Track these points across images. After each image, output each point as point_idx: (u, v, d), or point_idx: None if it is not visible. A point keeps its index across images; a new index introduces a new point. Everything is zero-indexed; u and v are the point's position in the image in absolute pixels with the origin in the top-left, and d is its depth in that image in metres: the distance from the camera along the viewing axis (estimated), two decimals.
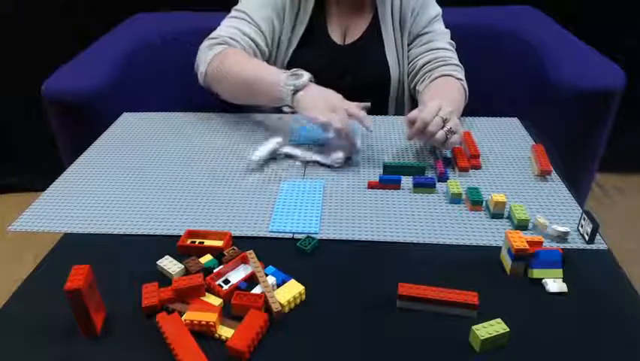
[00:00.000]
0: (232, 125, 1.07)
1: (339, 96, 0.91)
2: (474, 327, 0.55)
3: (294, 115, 1.06)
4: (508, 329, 0.55)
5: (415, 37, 1.16)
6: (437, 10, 1.17)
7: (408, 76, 1.19)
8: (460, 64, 1.14)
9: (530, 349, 0.55)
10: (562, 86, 1.21)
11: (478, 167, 0.89)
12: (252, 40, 1.08)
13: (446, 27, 1.18)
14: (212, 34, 1.09)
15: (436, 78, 1.09)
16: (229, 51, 1.05)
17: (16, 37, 1.82)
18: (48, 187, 0.86)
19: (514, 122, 1.06)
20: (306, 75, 0.92)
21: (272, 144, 0.92)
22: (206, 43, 1.08)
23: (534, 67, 1.34)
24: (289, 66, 1.14)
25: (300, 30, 1.14)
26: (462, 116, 1.08)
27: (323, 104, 0.88)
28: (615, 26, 1.80)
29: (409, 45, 1.17)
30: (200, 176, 0.88)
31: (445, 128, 0.85)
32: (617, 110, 1.22)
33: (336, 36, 1.17)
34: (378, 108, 1.14)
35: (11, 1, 1.76)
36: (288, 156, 0.93)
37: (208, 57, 1.05)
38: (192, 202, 0.81)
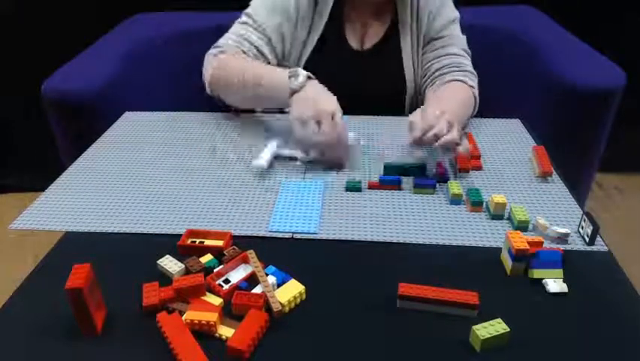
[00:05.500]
0: (233, 125, 1.07)
1: (332, 103, 0.87)
2: (474, 327, 0.55)
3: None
4: (508, 329, 0.55)
5: (429, 40, 1.13)
6: (455, 14, 1.13)
7: (421, 80, 1.16)
8: (473, 71, 1.11)
9: (530, 349, 0.55)
10: (562, 86, 1.21)
11: (478, 168, 0.89)
12: (258, 49, 1.08)
13: None
14: (219, 42, 1.09)
15: (448, 82, 1.07)
16: (230, 57, 1.04)
17: (16, 37, 1.82)
18: (48, 187, 0.86)
19: (515, 123, 1.06)
20: (302, 76, 0.90)
21: (272, 147, 0.92)
22: (212, 51, 1.08)
23: (534, 67, 1.34)
24: None
25: (315, 36, 1.11)
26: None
27: (310, 112, 0.85)
28: (615, 26, 1.80)
29: (423, 48, 1.14)
30: (200, 175, 0.88)
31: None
32: (617, 110, 1.23)
33: (353, 41, 1.14)
34: (395, 112, 1.12)
35: (11, 1, 1.76)
36: (292, 158, 0.92)
37: (212, 65, 1.05)
38: (192, 202, 0.81)
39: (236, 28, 1.10)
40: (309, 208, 0.79)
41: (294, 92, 0.89)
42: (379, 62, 1.14)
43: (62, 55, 1.32)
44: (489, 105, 1.14)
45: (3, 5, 1.76)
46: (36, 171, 1.63)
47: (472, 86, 1.07)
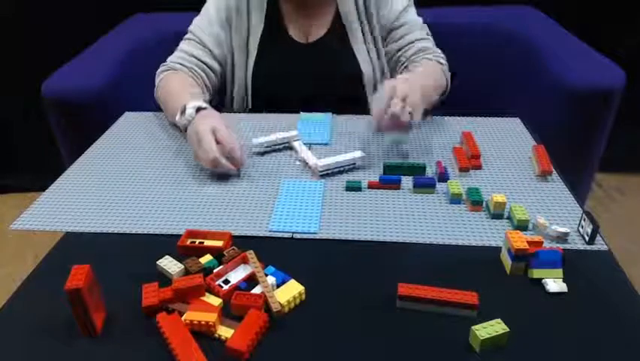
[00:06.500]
0: (233, 125, 1.06)
1: (211, 128, 0.84)
2: (474, 327, 0.55)
3: (301, 115, 1.07)
4: (507, 329, 0.55)
5: (388, 31, 1.14)
6: (404, 1, 1.14)
7: (391, 71, 1.17)
8: (439, 50, 1.14)
9: (530, 349, 0.55)
10: (562, 86, 1.21)
11: (478, 167, 0.89)
12: (201, 60, 1.12)
13: (446, 27, 1.17)
14: (167, 60, 1.13)
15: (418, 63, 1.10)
16: (168, 76, 1.08)
17: (16, 37, 1.82)
18: (48, 187, 0.86)
19: (515, 123, 1.06)
20: (189, 110, 0.90)
21: (274, 136, 0.95)
22: (160, 69, 1.12)
23: (534, 67, 1.34)
24: (255, 75, 1.14)
25: (256, 34, 1.13)
26: (462, 115, 1.08)
27: (196, 144, 0.85)
28: (615, 26, 1.80)
29: (384, 39, 1.15)
30: (200, 176, 0.88)
31: (407, 109, 0.85)
32: (617, 110, 1.22)
33: (297, 36, 1.15)
34: (357, 106, 1.13)
35: (11, 2, 1.76)
36: (303, 161, 0.92)
37: (156, 84, 1.11)
38: (192, 202, 0.81)
39: (182, 45, 1.14)
40: (309, 208, 0.79)
41: (185, 127, 0.92)
42: (327, 54, 1.14)
43: (62, 55, 1.32)
44: (489, 105, 1.14)
45: (3, 5, 1.76)
46: (36, 171, 1.64)
47: (441, 63, 1.11)
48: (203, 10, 1.15)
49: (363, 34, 1.13)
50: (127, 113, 1.13)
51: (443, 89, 1.09)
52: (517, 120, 1.07)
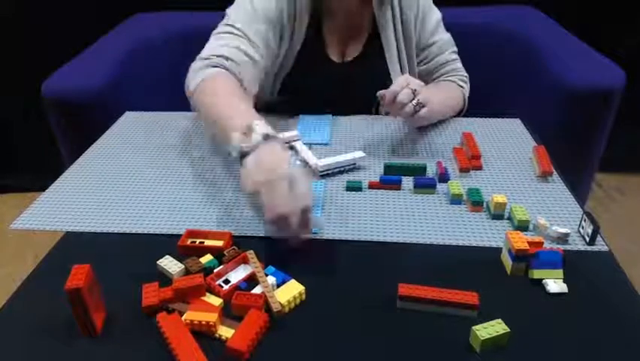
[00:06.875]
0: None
1: (290, 175, 0.67)
2: (474, 327, 0.55)
3: (301, 116, 1.07)
4: (508, 330, 0.55)
5: (422, 49, 1.12)
6: (438, 15, 1.12)
7: None
8: (465, 73, 1.15)
9: (530, 349, 0.55)
10: (562, 86, 1.21)
11: (479, 168, 0.89)
12: (247, 55, 0.95)
13: (446, 27, 1.17)
14: (204, 54, 0.95)
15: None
16: (216, 80, 0.90)
17: (16, 37, 1.82)
18: (48, 187, 0.86)
19: (515, 123, 1.06)
20: (255, 136, 0.71)
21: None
22: (198, 64, 0.94)
23: (534, 67, 1.34)
24: (284, 89, 1.10)
25: (296, 47, 1.07)
26: (462, 116, 1.08)
27: (263, 185, 0.67)
28: (615, 26, 1.80)
29: (418, 57, 1.13)
30: (200, 176, 0.88)
31: (414, 101, 0.87)
32: (617, 110, 1.23)
33: (333, 53, 1.11)
34: (372, 106, 1.13)
35: (11, 2, 1.76)
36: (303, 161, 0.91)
37: (197, 80, 0.90)
38: (192, 202, 0.81)
39: (220, 38, 0.97)
40: None
41: (244, 153, 0.71)
42: (362, 74, 1.11)
43: (62, 55, 1.32)
44: (489, 105, 1.14)
45: (3, 5, 1.76)
46: (36, 171, 1.64)
47: (461, 86, 1.12)
48: (243, 4, 1.00)
49: (398, 51, 1.11)
50: (127, 113, 1.13)
51: (459, 109, 1.11)
52: (518, 121, 1.07)
